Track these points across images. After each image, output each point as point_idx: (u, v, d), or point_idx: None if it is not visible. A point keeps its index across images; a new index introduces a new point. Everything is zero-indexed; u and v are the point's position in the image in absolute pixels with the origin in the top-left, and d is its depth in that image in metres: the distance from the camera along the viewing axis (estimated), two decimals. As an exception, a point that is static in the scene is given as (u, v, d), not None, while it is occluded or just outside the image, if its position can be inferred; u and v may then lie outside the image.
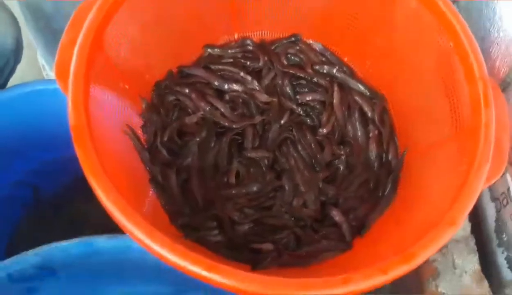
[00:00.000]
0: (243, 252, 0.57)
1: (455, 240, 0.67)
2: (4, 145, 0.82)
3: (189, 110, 0.69)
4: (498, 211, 0.71)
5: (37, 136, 0.84)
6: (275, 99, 0.70)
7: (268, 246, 0.57)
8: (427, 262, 0.66)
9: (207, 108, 0.68)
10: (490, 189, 0.73)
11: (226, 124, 0.67)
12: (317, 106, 0.72)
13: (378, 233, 0.60)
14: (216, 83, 0.71)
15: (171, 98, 0.69)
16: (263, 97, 0.70)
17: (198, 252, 0.45)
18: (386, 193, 0.64)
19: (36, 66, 1.17)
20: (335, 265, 0.56)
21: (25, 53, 1.23)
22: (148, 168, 0.62)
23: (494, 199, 0.72)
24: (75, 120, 0.50)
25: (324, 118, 0.70)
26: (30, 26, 0.95)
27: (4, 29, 0.78)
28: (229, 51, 0.75)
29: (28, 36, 0.98)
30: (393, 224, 0.60)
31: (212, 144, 0.66)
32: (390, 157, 0.68)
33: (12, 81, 1.01)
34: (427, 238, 0.45)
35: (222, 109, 0.68)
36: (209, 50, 0.74)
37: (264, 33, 0.77)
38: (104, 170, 0.48)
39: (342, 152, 0.67)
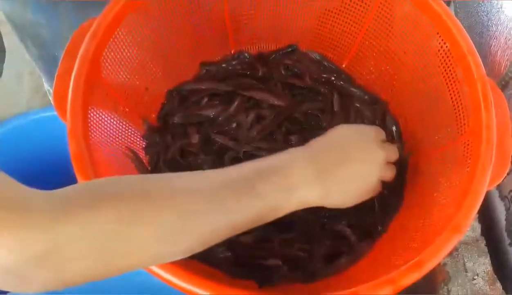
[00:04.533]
0: (250, 269, 0.56)
1: (465, 243, 0.66)
2: (17, 171, 0.83)
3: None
4: (507, 209, 0.69)
5: (48, 161, 0.84)
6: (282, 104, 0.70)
7: (275, 262, 0.56)
8: (438, 266, 0.66)
9: (218, 109, 0.69)
10: (499, 187, 0.72)
11: (229, 145, 0.67)
12: (319, 114, 0.72)
13: (387, 241, 0.59)
14: (224, 88, 0.71)
15: (177, 120, 0.70)
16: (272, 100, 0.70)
17: (201, 271, 0.45)
18: (393, 200, 0.63)
19: (42, 92, 1.18)
20: (343, 278, 0.56)
21: (30, 80, 1.24)
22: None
23: (503, 197, 0.71)
24: (75, 149, 0.51)
25: (324, 124, 0.70)
26: (31, 53, 0.95)
27: None
28: (227, 65, 0.75)
29: (32, 63, 0.99)
30: (401, 230, 0.59)
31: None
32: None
33: (19, 109, 1.02)
34: (433, 246, 0.45)
35: (232, 109, 0.69)
36: (206, 67, 0.74)
37: (261, 47, 0.77)
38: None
39: None
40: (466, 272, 0.65)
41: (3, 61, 0.85)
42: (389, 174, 0.54)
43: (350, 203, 0.50)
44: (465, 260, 0.66)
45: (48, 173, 0.84)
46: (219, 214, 0.41)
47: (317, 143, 0.51)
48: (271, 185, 0.44)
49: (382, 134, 0.56)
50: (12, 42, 0.87)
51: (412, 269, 0.44)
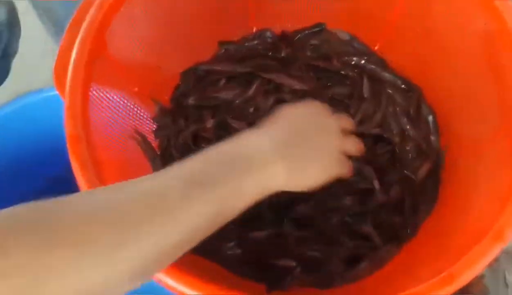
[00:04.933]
0: (260, 268, 0.51)
1: (506, 252, 0.60)
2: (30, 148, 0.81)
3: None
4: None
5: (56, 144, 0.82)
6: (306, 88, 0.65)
7: (289, 262, 0.51)
8: (475, 279, 0.59)
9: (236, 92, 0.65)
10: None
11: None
12: (346, 100, 0.66)
13: (416, 247, 0.53)
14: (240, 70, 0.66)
15: (192, 101, 0.65)
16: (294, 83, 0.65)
17: (204, 269, 0.42)
18: (425, 199, 0.57)
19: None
20: (363, 287, 0.50)
21: (50, 62, 1.22)
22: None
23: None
24: (71, 129, 0.47)
25: (352, 111, 0.64)
26: (49, 32, 0.93)
27: None
28: (247, 45, 0.69)
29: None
30: (433, 235, 0.53)
31: None
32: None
33: (39, 86, 0.99)
34: (469, 255, 0.39)
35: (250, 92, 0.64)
36: (225, 46, 0.69)
37: (285, 26, 0.71)
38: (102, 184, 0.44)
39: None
40: (507, 287, 0.58)
41: (18, 36, 0.83)
42: (350, 145, 0.50)
43: (314, 181, 0.45)
44: (506, 272, 0.59)
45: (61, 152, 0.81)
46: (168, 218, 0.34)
47: (267, 123, 0.48)
48: (236, 170, 0.40)
49: (327, 108, 0.52)
50: (37, 19, 0.85)
51: (444, 282, 0.38)
